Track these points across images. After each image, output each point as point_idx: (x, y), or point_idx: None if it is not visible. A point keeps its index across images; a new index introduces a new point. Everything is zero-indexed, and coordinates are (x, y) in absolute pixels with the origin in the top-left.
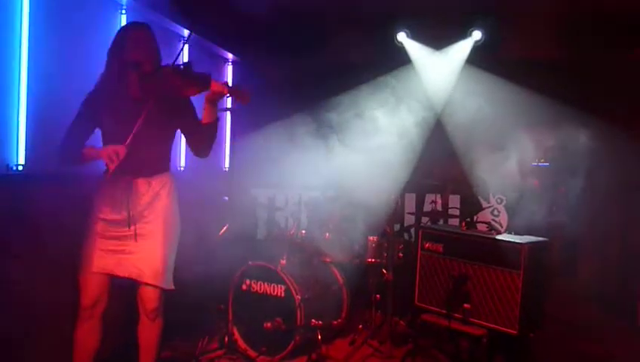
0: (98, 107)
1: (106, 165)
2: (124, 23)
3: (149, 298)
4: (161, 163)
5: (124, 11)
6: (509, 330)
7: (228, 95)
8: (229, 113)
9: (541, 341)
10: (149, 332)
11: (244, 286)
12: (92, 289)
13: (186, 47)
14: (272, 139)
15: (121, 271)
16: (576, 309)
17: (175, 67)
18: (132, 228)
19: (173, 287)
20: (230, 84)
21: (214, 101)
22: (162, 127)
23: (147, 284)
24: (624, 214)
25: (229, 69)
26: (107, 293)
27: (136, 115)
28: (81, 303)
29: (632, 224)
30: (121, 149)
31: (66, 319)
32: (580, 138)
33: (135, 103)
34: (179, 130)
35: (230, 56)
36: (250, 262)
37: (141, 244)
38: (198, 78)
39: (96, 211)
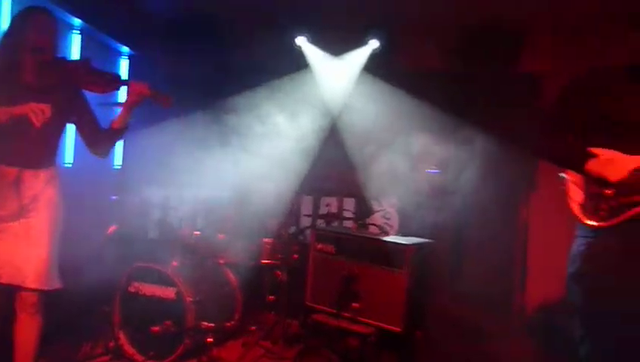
0: None
1: (31, 121)
2: (6, 8)
3: (30, 293)
4: (51, 156)
5: None
6: (393, 328)
7: (149, 97)
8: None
9: (427, 339)
10: (27, 330)
11: (131, 289)
12: None
13: (78, 37)
14: (168, 137)
15: (2, 277)
16: (461, 309)
17: (84, 61)
18: (16, 222)
19: (59, 286)
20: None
21: (133, 105)
22: (56, 120)
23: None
24: (504, 218)
25: (125, 64)
26: None
27: (25, 103)
28: None
29: (511, 227)
30: (47, 108)
31: None
32: (467, 147)
33: (27, 90)
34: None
35: (126, 49)
36: (138, 264)
37: (24, 242)
38: (109, 76)
39: None
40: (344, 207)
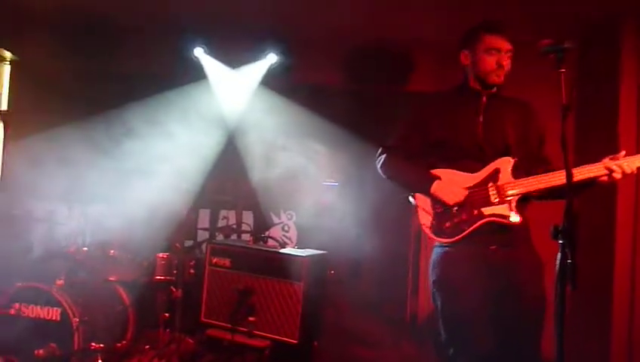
0: None
1: None
2: None
3: None
4: None
5: None
6: (290, 340)
7: None
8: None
9: (322, 349)
10: None
11: (12, 311)
12: None
13: None
14: (54, 147)
15: None
16: (356, 318)
17: None
18: None
19: None
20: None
21: None
22: None
23: None
24: (398, 229)
25: (5, 69)
26: None
27: None
28: None
29: (404, 238)
30: None
31: None
32: (364, 160)
33: None
34: None
35: (8, 54)
36: (18, 284)
37: None
38: None
39: None
40: (242, 221)
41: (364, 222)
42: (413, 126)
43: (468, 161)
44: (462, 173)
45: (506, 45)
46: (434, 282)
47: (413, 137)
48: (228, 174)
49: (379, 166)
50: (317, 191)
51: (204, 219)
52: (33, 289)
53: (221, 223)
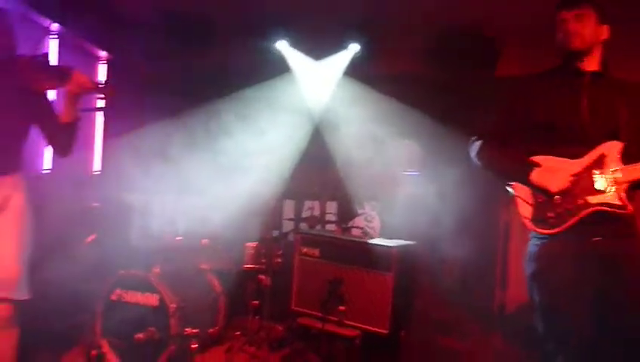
0: None
1: None
2: None
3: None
4: (14, 161)
5: None
6: (380, 330)
7: (91, 90)
8: (101, 113)
9: (410, 339)
10: (2, 344)
11: (113, 296)
12: None
13: (55, 42)
14: (148, 142)
15: None
16: (444, 309)
17: (30, 57)
18: None
19: (28, 296)
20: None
21: (75, 97)
22: (11, 121)
23: None
24: (485, 220)
25: (103, 68)
26: None
27: None
28: None
29: (492, 228)
30: None
31: None
32: (447, 149)
33: None
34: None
35: (104, 54)
36: (121, 271)
37: None
38: (55, 70)
39: None
40: (326, 211)
41: (448, 211)
42: (510, 111)
43: (571, 146)
44: (564, 159)
45: (570, 13)
46: (532, 275)
47: (509, 123)
48: (313, 165)
49: (473, 154)
50: (400, 181)
51: (289, 209)
52: (133, 277)
53: (306, 214)
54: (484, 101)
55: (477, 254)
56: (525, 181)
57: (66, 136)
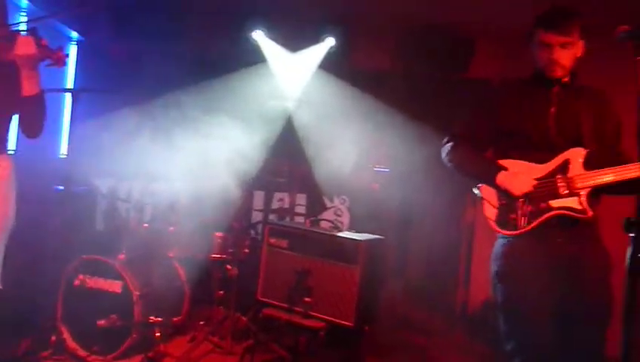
0: None
1: None
2: None
3: None
4: None
5: None
6: (345, 323)
7: (39, 55)
8: (69, 95)
9: (373, 333)
10: None
11: (76, 282)
12: None
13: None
14: (117, 126)
15: None
16: (406, 305)
17: None
18: None
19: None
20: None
21: (27, 64)
22: None
23: None
24: (451, 217)
25: (73, 49)
26: None
27: None
28: None
29: (457, 226)
30: None
31: None
32: (416, 146)
33: None
34: None
35: (75, 34)
36: (84, 256)
37: None
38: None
39: None
40: (296, 203)
41: (415, 207)
42: (483, 114)
43: (538, 152)
44: (530, 163)
45: (558, 39)
46: (496, 274)
47: (482, 125)
48: (284, 157)
49: (444, 154)
50: (369, 176)
51: (258, 200)
52: (97, 262)
53: (276, 205)
54: (456, 101)
55: (442, 252)
56: (492, 183)
57: (29, 114)
